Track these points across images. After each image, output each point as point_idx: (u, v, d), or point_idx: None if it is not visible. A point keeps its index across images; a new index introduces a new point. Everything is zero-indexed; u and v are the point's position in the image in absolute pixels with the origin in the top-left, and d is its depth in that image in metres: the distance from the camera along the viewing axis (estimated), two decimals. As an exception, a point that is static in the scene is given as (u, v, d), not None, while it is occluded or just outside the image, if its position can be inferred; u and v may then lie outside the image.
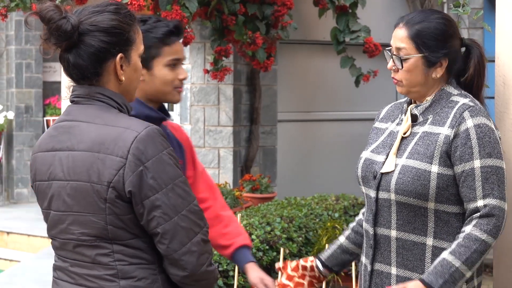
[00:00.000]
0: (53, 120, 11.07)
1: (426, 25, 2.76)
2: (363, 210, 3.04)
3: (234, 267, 5.13)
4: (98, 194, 2.27)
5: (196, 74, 7.81)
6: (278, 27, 6.75)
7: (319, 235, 6.16)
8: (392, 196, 2.75)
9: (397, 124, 2.88)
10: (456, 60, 2.82)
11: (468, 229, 2.66)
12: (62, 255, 2.39)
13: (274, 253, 5.57)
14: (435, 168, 2.70)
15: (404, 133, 2.81)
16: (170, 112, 3.05)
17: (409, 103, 2.87)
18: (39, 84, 11.55)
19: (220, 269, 5.18)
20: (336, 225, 6.16)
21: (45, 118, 11.50)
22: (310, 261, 3.09)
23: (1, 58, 11.59)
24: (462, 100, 2.77)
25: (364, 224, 2.89)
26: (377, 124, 2.97)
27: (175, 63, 2.90)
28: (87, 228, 2.30)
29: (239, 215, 5.38)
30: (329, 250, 3.10)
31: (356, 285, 4.70)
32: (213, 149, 7.74)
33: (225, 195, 6.96)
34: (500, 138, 2.76)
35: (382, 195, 2.78)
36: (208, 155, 7.81)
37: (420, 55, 2.76)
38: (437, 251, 2.73)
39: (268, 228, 5.74)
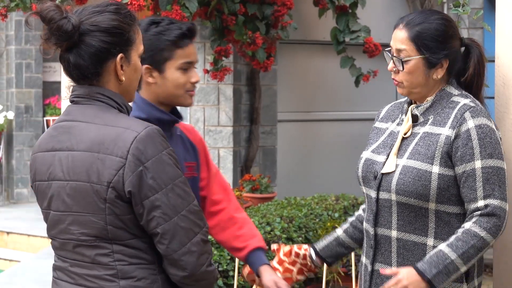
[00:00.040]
0: (53, 120, 11.07)
1: (427, 26, 2.76)
2: (363, 206, 3.04)
3: (234, 267, 5.13)
4: (97, 194, 2.27)
5: (196, 74, 7.79)
6: (278, 27, 6.75)
7: (319, 235, 6.16)
8: (393, 197, 2.75)
9: (398, 124, 2.88)
10: (456, 61, 2.82)
11: (467, 225, 2.66)
12: (62, 255, 2.39)
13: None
14: (436, 169, 2.70)
15: (405, 134, 2.81)
16: None
17: (410, 103, 2.87)
18: (39, 84, 11.54)
19: (220, 269, 5.18)
20: (336, 225, 6.15)
21: (45, 118, 11.50)
22: (304, 249, 3.09)
23: (1, 58, 11.59)
24: (463, 100, 2.77)
25: (365, 224, 2.89)
26: (377, 124, 2.97)
27: (188, 67, 2.87)
28: (86, 228, 2.30)
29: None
30: (324, 241, 3.10)
31: (356, 285, 4.70)
32: (213, 149, 7.74)
33: (225, 195, 6.94)
34: (501, 138, 2.76)
35: (383, 195, 2.78)
36: (208, 155, 7.79)
37: (421, 56, 2.76)
38: (437, 252, 2.73)
39: (268, 228, 5.74)
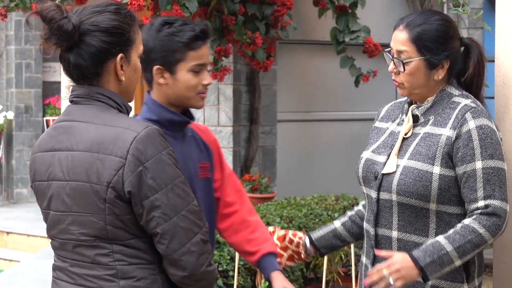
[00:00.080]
0: (53, 120, 11.07)
1: (427, 28, 2.75)
2: (363, 202, 3.04)
3: (234, 267, 5.13)
4: (97, 194, 2.27)
5: (196, 74, 7.79)
6: (278, 27, 6.75)
7: (319, 235, 6.15)
8: (394, 197, 2.74)
9: (398, 124, 2.87)
10: (457, 61, 2.81)
11: (467, 221, 2.66)
12: (61, 255, 2.39)
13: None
14: (437, 169, 2.69)
15: (405, 134, 2.81)
16: None
17: (410, 103, 2.87)
18: (38, 84, 11.54)
19: (220, 269, 5.18)
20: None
21: (44, 118, 11.50)
22: (298, 237, 3.09)
23: (1, 58, 11.59)
24: (464, 101, 2.77)
25: (365, 225, 2.89)
26: (377, 124, 2.97)
27: (200, 69, 2.84)
28: (86, 228, 2.30)
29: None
30: (321, 231, 3.09)
31: (356, 285, 4.70)
32: (213, 149, 7.72)
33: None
34: (501, 139, 2.76)
35: (384, 195, 2.78)
36: (208, 155, 7.79)
37: (422, 58, 2.75)
38: (438, 252, 2.73)
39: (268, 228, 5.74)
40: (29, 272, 7.38)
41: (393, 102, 3.01)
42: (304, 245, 3.08)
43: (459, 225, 2.66)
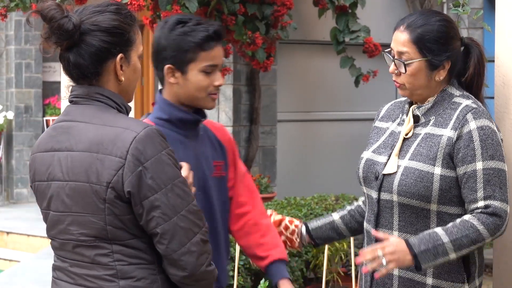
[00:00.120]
0: (53, 120, 11.06)
1: (429, 29, 2.74)
2: (362, 198, 3.03)
3: (234, 267, 5.13)
4: (97, 194, 2.26)
5: (195, 74, 7.78)
6: (278, 27, 6.74)
7: (318, 235, 6.15)
8: (395, 198, 2.74)
9: (398, 124, 2.87)
10: (457, 61, 2.81)
11: (467, 217, 2.66)
12: (61, 255, 2.39)
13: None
14: (438, 170, 2.69)
15: (406, 134, 2.80)
16: None
17: (411, 103, 2.86)
18: (38, 84, 11.54)
19: (220, 269, 5.17)
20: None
21: (44, 118, 11.50)
22: (294, 225, 3.08)
23: (1, 58, 11.59)
24: (465, 101, 2.76)
25: (366, 225, 2.88)
26: (377, 123, 2.97)
27: (212, 69, 2.81)
28: (86, 228, 2.30)
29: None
30: (318, 222, 3.09)
31: (356, 285, 4.70)
32: (212, 149, 7.72)
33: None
34: (502, 140, 2.75)
35: (384, 196, 2.77)
36: (207, 155, 7.79)
37: (424, 59, 2.75)
38: (439, 252, 2.73)
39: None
40: (29, 272, 7.38)
41: (393, 102, 3.00)
42: (300, 234, 3.07)
43: (458, 220, 2.66)
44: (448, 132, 2.72)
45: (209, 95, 2.83)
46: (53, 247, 2.42)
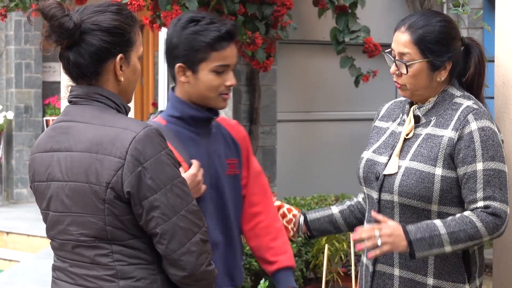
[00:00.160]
0: (53, 120, 11.05)
1: (430, 29, 2.74)
2: (362, 195, 3.03)
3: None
4: (96, 195, 2.26)
5: (195, 74, 7.77)
6: (278, 27, 6.74)
7: (318, 235, 6.15)
8: (395, 198, 2.74)
9: (399, 124, 2.87)
10: (458, 62, 2.81)
11: (467, 213, 2.66)
12: (61, 256, 2.38)
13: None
14: (439, 171, 2.69)
15: (407, 135, 2.80)
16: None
17: (411, 103, 2.86)
18: (38, 84, 11.54)
19: (220, 269, 5.17)
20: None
21: (44, 118, 11.50)
22: (292, 214, 3.06)
23: (1, 58, 11.59)
24: (466, 102, 2.76)
25: (366, 225, 2.88)
26: (377, 123, 2.96)
27: (223, 69, 2.79)
28: (86, 228, 2.30)
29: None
30: (317, 213, 3.07)
31: (356, 285, 4.69)
32: (212, 149, 7.71)
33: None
34: (503, 141, 2.75)
35: (385, 196, 2.77)
36: (207, 155, 7.78)
37: (425, 60, 2.74)
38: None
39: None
40: (29, 272, 7.38)
41: (393, 101, 3.00)
42: (297, 223, 3.06)
43: (458, 215, 2.66)
44: (449, 133, 2.71)
45: (220, 95, 2.81)
46: (53, 248, 2.42)
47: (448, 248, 2.63)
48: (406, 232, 2.63)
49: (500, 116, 2.99)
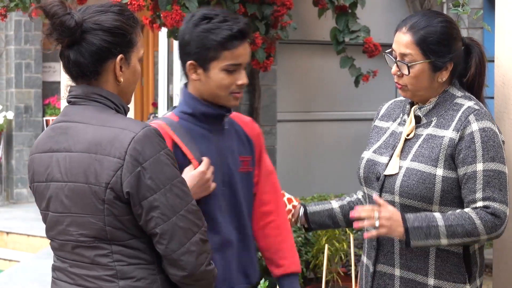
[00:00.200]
0: (53, 120, 11.05)
1: (432, 30, 2.73)
2: (361, 193, 3.02)
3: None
4: (96, 195, 2.26)
5: (195, 74, 7.78)
6: (278, 27, 6.74)
7: (318, 235, 6.16)
8: (396, 199, 2.74)
9: (399, 124, 2.86)
10: (459, 62, 2.80)
11: (467, 209, 2.66)
12: (61, 256, 2.38)
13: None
14: (440, 171, 2.69)
15: (408, 135, 2.80)
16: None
17: (411, 103, 2.86)
18: (38, 84, 11.54)
19: (220, 269, 5.16)
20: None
21: (44, 118, 11.50)
22: (292, 205, 3.06)
23: (1, 58, 11.59)
24: (467, 103, 2.76)
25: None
26: (377, 123, 2.96)
27: (235, 68, 2.76)
28: (85, 229, 2.30)
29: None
30: (317, 207, 3.07)
31: (356, 285, 4.69)
32: (212, 149, 7.71)
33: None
34: (503, 142, 2.75)
35: (386, 197, 2.77)
36: (207, 155, 7.78)
37: (427, 61, 2.74)
38: (441, 253, 2.72)
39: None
40: (29, 272, 7.38)
41: (393, 100, 2.99)
42: (297, 214, 3.06)
43: (458, 210, 2.66)
44: (450, 133, 2.71)
45: (231, 93, 2.79)
46: (53, 248, 2.42)
47: (444, 241, 2.63)
48: (404, 219, 2.63)
49: (500, 116, 2.99)
